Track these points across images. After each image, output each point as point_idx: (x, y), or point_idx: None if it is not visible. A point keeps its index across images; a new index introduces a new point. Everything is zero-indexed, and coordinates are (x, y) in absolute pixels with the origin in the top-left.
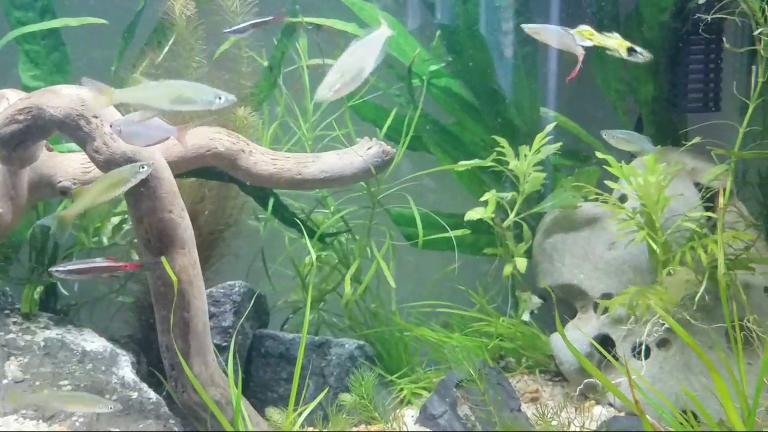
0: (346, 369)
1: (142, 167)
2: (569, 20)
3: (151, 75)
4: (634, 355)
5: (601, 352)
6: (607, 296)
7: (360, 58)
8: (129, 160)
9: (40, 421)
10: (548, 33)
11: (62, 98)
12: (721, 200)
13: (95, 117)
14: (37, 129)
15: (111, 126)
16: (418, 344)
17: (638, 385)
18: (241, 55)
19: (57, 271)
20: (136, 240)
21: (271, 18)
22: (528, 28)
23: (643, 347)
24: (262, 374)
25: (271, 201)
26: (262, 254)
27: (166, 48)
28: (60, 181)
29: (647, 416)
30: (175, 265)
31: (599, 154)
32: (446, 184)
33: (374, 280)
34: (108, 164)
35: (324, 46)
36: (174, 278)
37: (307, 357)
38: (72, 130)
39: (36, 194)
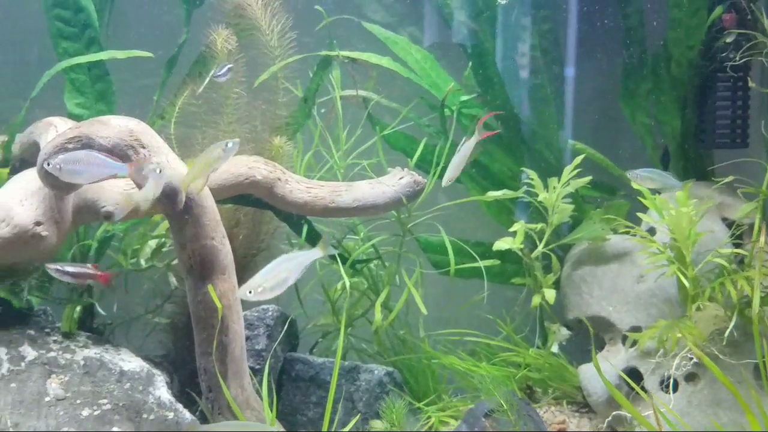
0: (375, 395)
1: (228, 144)
2: (595, 59)
3: (193, 105)
4: (662, 389)
5: (630, 385)
6: (636, 329)
7: (285, 270)
8: (174, 188)
9: None
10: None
11: (111, 129)
12: (762, 238)
13: (143, 147)
14: None
15: (48, 164)
16: (444, 372)
17: (667, 418)
18: (278, 86)
19: (50, 268)
20: (174, 263)
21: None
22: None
23: (672, 381)
24: (292, 398)
25: (305, 227)
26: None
27: (207, 79)
28: (104, 206)
29: None
30: (215, 290)
31: (635, 185)
32: (471, 213)
33: (405, 305)
34: None
35: (358, 78)
36: (219, 305)
37: (336, 382)
38: (120, 159)
39: (80, 218)
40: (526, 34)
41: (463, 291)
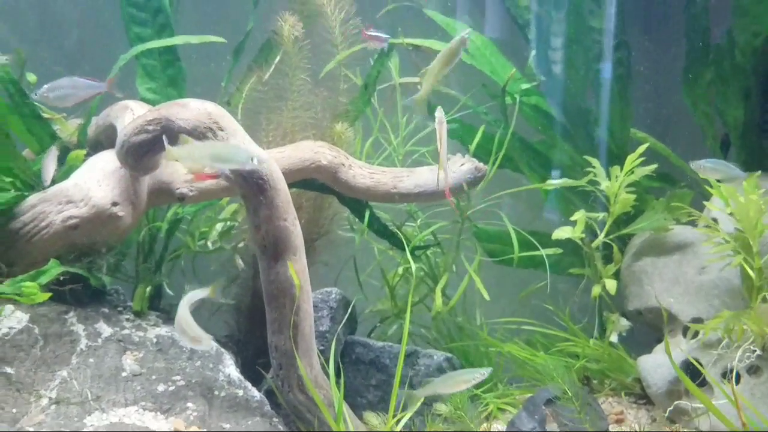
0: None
1: (465, 36)
2: (660, 46)
3: (258, 91)
4: (723, 381)
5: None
6: (698, 320)
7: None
8: (251, 170)
9: (158, 413)
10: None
11: (191, 111)
12: None
13: (221, 130)
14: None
15: (37, 95)
16: (500, 360)
17: (741, 409)
18: (339, 74)
19: None
20: (240, 245)
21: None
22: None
23: (734, 373)
24: (352, 380)
25: (367, 213)
26: (355, 264)
27: (272, 66)
28: (178, 188)
29: None
30: (287, 269)
31: (702, 174)
32: (523, 201)
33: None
34: (231, 174)
35: (421, 65)
36: (297, 281)
37: (396, 365)
38: (199, 140)
39: (154, 200)
40: (591, 19)
41: (516, 280)
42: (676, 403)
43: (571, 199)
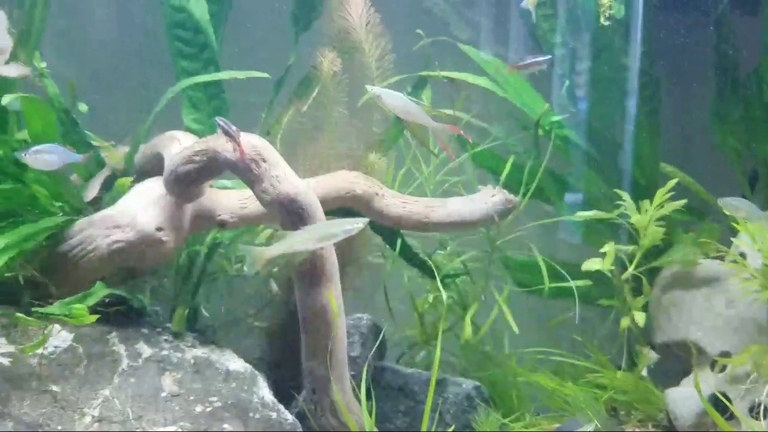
0: (462, 408)
1: (354, 224)
2: (687, 82)
3: (296, 122)
4: (752, 415)
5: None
6: (725, 354)
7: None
8: (291, 200)
9: None
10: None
11: None
12: None
13: (264, 161)
14: (211, 169)
15: (25, 154)
16: (527, 389)
17: None
18: (373, 105)
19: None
20: (275, 270)
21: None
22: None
23: (762, 407)
24: (381, 405)
25: (399, 241)
26: (385, 290)
27: (311, 99)
28: (219, 215)
29: None
30: (322, 296)
31: (727, 211)
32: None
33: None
34: (273, 203)
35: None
36: (334, 308)
37: (425, 393)
38: (243, 172)
39: (196, 225)
40: (622, 57)
41: (544, 309)
42: None
43: (600, 230)
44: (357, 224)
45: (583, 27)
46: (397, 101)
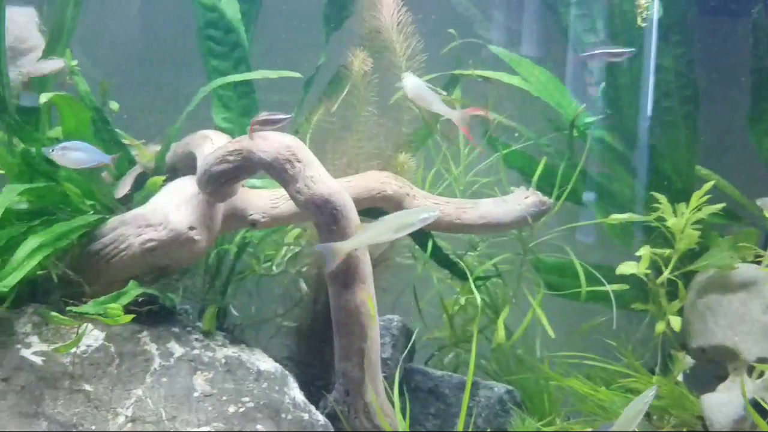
0: (494, 412)
1: (429, 213)
2: (723, 84)
3: (326, 122)
4: None
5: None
6: (763, 360)
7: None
8: (326, 200)
9: None
10: None
11: (271, 143)
12: None
13: (299, 162)
14: (245, 169)
15: (52, 150)
16: (559, 394)
17: None
18: (403, 105)
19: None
20: (305, 269)
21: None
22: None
23: None
24: (411, 408)
25: (430, 243)
26: (414, 292)
27: (340, 98)
28: (251, 214)
29: None
30: (356, 297)
31: (766, 212)
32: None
33: (516, 324)
34: (307, 204)
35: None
36: (372, 310)
37: (455, 395)
38: (278, 172)
39: (227, 224)
40: (660, 58)
41: (576, 312)
42: None
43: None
44: (432, 213)
45: (619, 28)
46: (418, 89)
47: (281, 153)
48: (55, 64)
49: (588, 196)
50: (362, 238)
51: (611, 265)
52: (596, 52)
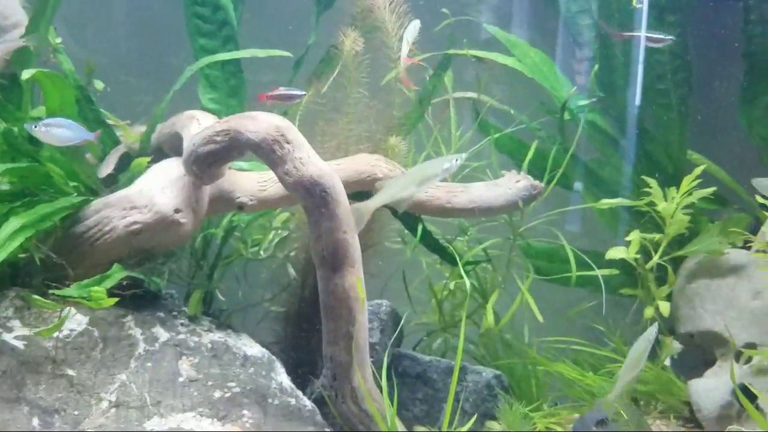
0: (482, 396)
1: (452, 161)
2: (715, 68)
3: (315, 103)
4: None
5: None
6: (751, 345)
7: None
8: (315, 183)
9: (215, 419)
10: None
11: (259, 124)
12: None
13: (288, 143)
14: (233, 150)
15: (35, 127)
16: (546, 379)
17: None
18: (394, 87)
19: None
20: (293, 254)
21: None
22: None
23: None
24: (399, 393)
25: (419, 227)
26: (404, 277)
27: (330, 79)
28: (238, 197)
29: None
30: (345, 281)
31: (760, 199)
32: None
33: (504, 309)
34: (296, 186)
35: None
36: (361, 294)
37: (443, 380)
38: (266, 153)
39: (214, 207)
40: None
41: (563, 297)
42: (729, 428)
43: (625, 219)
44: (455, 161)
45: (614, 9)
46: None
47: (270, 134)
48: (36, 40)
49: (577, 186)
50: (387, 194)
51: (600, 251)
52: (636, 34)
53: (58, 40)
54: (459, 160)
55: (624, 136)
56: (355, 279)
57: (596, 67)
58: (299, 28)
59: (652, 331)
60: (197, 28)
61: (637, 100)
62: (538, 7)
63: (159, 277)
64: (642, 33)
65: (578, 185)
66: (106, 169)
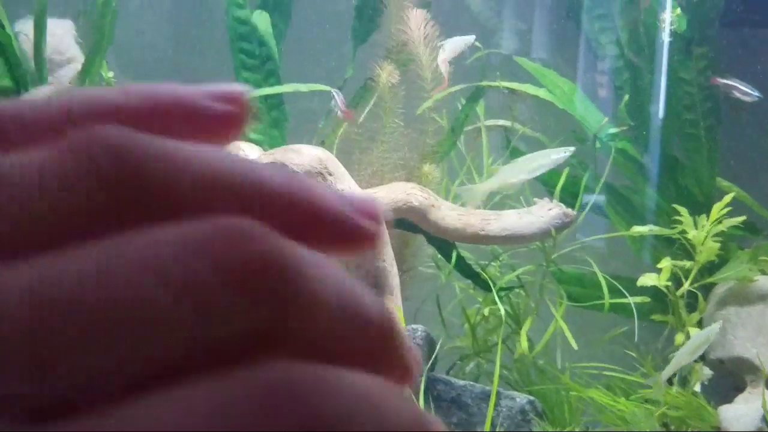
0: (516, 422)
1: (561, 153)
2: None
3: (352, 133)
4: None
5: None
6: None
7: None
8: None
9: None
10: None
11: (303, 157)
12: None
13: (330, 175)
14: None
15: None
16: (579, 404)
17: None
18: (427, 116)
19: None
20: None
21: None
22: None
23: None
24: None
25: (454, 253)
26: (437, 301)
27: (366, 109)
28: None
29: None
30: None
31: None
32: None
33: (536, 334)
34: None
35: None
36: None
37: (477, 405)
38: None
39: None
40: (681, 71)
41: (595, 323)
42: None
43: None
44: (564, 153)
45: (642, 40)
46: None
47: (314, 166)
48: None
49: (599, 198)
50: (498, 179)
51: (631, 277)
52: (729, 83)
53: (110, 74)
54: (567, 152)
55: (653, 164)
56: (393, 306)
57: (626, 97)
58: (338, 61)
59: (716, 327)
60: (242, 63)
61: (667, 130)
62: (558, 26)
63: None
64: (736, 83)
65: (600, 197)
66: None
